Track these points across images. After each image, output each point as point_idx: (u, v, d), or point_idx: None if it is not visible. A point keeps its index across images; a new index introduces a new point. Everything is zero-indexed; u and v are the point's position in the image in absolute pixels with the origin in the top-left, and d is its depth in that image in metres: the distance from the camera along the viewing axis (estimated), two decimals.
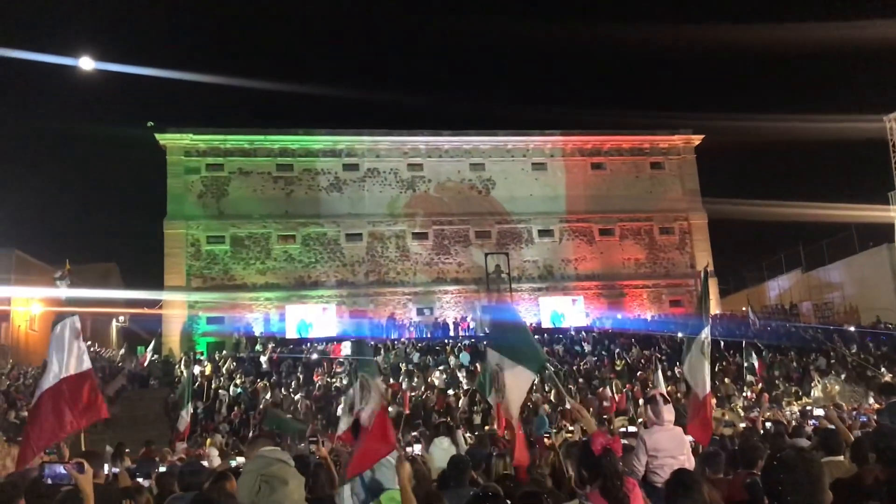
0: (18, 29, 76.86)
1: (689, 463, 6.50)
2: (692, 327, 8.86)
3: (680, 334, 29.89)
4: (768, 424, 12.77)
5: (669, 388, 21.22)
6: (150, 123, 40.35)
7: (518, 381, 7.68)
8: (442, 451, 10.23)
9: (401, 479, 5.07)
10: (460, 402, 24.11)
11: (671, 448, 6.51)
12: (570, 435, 13.56)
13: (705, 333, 8.33)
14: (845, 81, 71.14)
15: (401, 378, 28.30)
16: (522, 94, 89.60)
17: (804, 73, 77.51)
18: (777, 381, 26.72)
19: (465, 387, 26.41)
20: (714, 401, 14.63)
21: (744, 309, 37.36)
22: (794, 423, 14.06)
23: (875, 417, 10.34)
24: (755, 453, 6.47)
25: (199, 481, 6.04)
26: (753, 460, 6.39)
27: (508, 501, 4.86)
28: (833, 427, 8.07)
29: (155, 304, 40.94)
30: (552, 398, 24.74)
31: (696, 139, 45.69)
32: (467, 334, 36.70)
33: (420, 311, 41.11)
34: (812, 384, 25.68)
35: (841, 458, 6.58)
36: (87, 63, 31.70)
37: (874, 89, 74.41)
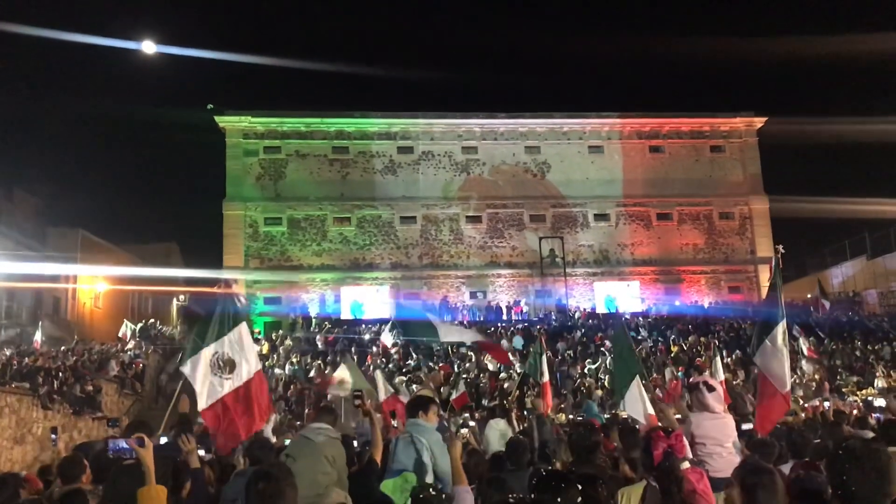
0: (84, 15, 78.83)
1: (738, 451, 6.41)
2: (765, 314, 8.62)
3: (748, 321, 29.35)
4: (828, 406, 12.50)
5: (726, 376, 20.84)
6: (209, 106, 41.05)
7: None
8: (498, 433, 10.37)
9: (453, 456, 5.43)
10: (506, 384, 24.07)
11: (719, 437, 6.38)
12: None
13: (783, 325, 8.11)
14: None
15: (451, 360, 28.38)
16: (579, 76, 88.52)
17: (875, 77, 74.79)
18: (839, 371, 26.04)
19: (519, 370, 26.33)
20: None
21: (810, 295, 36.27)
22: (856, 413, 13.75)
23: None
24: (803, 443, 6.42)
25: (267, 456, 6.20)
26: (801, 450, 6.32)
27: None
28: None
29: (214, 283, 41.79)
30: (606, 384, 24.53)
31: (759, 122, 44.50)
32: (520, 318, 36.55)
33: (473, 295, 41.14)
34: (876, 374, 24.99)
35: None
36: (149, 47, 32.46)
37: None
